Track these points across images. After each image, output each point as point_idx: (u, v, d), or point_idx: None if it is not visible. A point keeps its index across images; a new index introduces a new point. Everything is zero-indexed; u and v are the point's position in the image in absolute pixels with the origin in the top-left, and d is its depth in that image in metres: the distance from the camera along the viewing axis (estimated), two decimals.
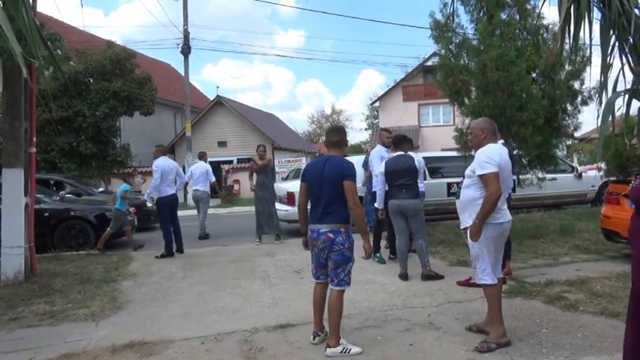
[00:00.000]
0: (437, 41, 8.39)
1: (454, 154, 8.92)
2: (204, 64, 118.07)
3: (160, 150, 8.33)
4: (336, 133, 3.89)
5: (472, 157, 3.87)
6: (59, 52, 7.30)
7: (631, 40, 2.51)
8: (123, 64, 17.89)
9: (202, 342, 3.99)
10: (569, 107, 8.08)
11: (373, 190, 7.55)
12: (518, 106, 7.25)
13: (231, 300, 5.19)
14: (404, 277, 5.70)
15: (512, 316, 4.17)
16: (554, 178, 10.63)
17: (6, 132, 6.26)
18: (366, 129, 48.22)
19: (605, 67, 2.52)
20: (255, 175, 8.79)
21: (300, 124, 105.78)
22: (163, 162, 7.96)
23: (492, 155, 3.58)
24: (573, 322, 4.06)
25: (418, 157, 5.85)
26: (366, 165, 8.21)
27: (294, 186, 10.18)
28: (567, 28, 2.62)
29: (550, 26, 7.83)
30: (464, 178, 3.89)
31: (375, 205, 6.43)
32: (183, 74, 21.46)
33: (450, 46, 8.22)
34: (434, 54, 21.43)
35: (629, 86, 2.55)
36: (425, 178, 7.35)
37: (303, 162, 20.13)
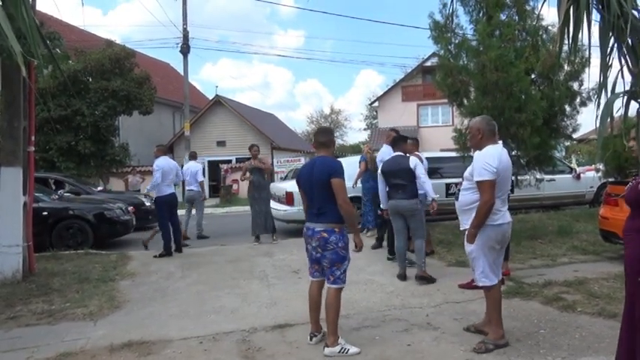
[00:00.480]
0: (436, 42, 8.40)
1: (453, 154, 8.92)
2: (204, 64, 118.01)
3: (161, 149, 8.36)
4: (323, 134, 3.98)
5: (471, 158, 3.86)
6: (58, 50, 7.28)
7: (629, 41, 2.52)
8: (122, 63, 17.88)
9: (200, 342, 3.99)
10: (567, 108, 8.09)
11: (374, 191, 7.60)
12: (517, 107, 7.25)
13: (229, 300, 5.19)
14: (402, 277, 5.70)
15: (510, 317, 4.17)
16: (553, 179, 10.66)
17: (4, 131, 6.24)
18: (364, 129, 48.25)
19: (604, 69, 2.52)
20: (247, 174, 8.78)
21: (299, 123, 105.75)
22: (164, 162, 7.97)
23: (491, 161, 3.48)
24: (571, 322, 4.07)
25: (415, 161, 5.76)
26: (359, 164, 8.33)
27: (293, 186, 10.20)
28: (566, 30, 2.62)
29: (549, 27, 7.84)
30: (462, 179, 3.89)
31: (381, 205, 6.43)
32: (182, 73, 21.45)
33: (449, 47, 8.22)
34: (433, 54, 21.40)
35: (627, 87, 2.56)
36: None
37: (301, 162, 20.13)
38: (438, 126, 27.27)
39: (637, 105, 2.53)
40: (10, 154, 6.21)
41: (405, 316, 4.44)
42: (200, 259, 7.50)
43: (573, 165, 12.61)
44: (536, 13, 7.69)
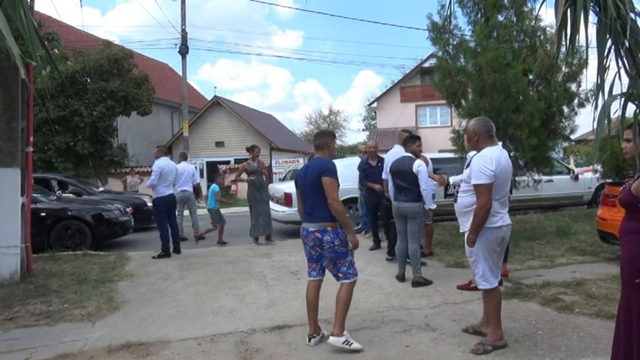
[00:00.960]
0: (434, 43, 8.41)
1: (451, 155, 8.93)
2: (202, 64, 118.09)
3: (161, 150, 8.37)
4: (318, 137, 4.09)
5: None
6: (56, 51, 7.29)
7: (627, 43, 2.53)
8: (120, 63, 17.87)
9: (199, 343, 3.99)
10: (565, 109, 8.10)
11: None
12: (514, 108, 7.26)
13: (227, 301, 5.19)
14: (401, 278, 5.71)
15: (509, 318, 4.18)
16: (551, 180, 10.67)
17: (3, 132, 6.23)
18: (363, 130, 48.28)
19: (602, 71, 2.53)
20: (251, 176, 8.74)
21: (297, 124, 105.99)
22: (164, 162, 7.96)
23: (488, 164, 3.45)
24: (569, 323, 4.08)
25: (420, 164, 5.63)
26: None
27: (291, 187, 10.18)
28: (564, 32, 2.63)
29: (547, 28, 7.85)
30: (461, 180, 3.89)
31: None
32: (180, 74, 21.46)
33: (448, 48, 8.24)
34: (431, 55, 21.45)
35: (625, 89, 2.57)
36: None
37: (300, 162, 20.13)
38: (436, 127, 27.29)
39: (634, 107, 2.54)
40: (8, 155, 6.20)
41: (403, 317, 4.45)
42: (198, 260, 7.50)
43: (571, 166, 12.62)
44: (534, 13, 7.71)
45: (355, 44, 77.73)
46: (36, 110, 14.09)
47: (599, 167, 10.02)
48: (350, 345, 3.67)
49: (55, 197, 9.53)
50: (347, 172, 8.09)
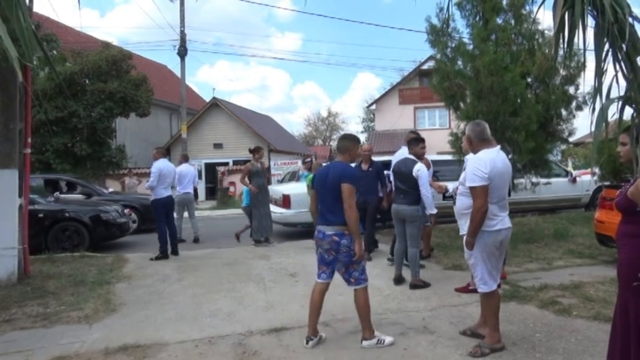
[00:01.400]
0: (433, 45, 8.43)
1: (450, 157, 8.94)
2: (201, 66, 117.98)
3: (160, 152, 8.36)
4: (340, 140, 4.13)
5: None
6: (55, 52, 7.27)
7: (624, 47, 2.53)
8: (119, 65, 17.88)
9: (196, 345, 3.98)
10: (563, 112, 8.13)
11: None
12: (512, 111, 7.27)
13: (225, 303, 5.18)
14: (398, 280, 5.70)
15: (506, 321, 4.18)
16: (549, 183, 10.68)
17: (0, 133, 6.22)
18: (362, 132, 48.33)
19: (599, 74, 2.53)
20: (252, 187, 8.69)
21: (296, 126, 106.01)
22: (163, 164, 7.95)
23: (482, 166, 3.43)
24: (567, 326, 4.08)
25: (420, 167, 5.51)
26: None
27: (290, 189, 10.20)
28: (562, 34, 2.64)
29: (545, 31, 7.87)
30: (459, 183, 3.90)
31: None
32: (179, 76, 21.45)
33: (446, 51, 8.26)
34: (430, 58, 21.47)
35: (622, 92, 2.57)
36: None
37: (298, 164, 20.11)
38: (435, 129, 27.26)
39: (631, 110, 2.55)
40: (5, 157, 6.18)
41: (401, 319, 4.44)
42: (196, 261, 7.49)
43: (569, 168, 12.64)
44: (532, 16, 7.73)
45: (354, 46, 78.05)
46: (34, 111, 14.03)
47: (596, 170, 10.05)
48: (383, 342, 3.79)
49: (52, 199, 9.52)
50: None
